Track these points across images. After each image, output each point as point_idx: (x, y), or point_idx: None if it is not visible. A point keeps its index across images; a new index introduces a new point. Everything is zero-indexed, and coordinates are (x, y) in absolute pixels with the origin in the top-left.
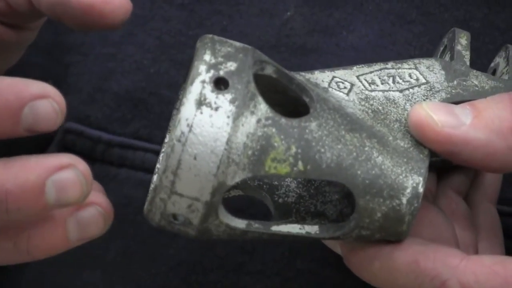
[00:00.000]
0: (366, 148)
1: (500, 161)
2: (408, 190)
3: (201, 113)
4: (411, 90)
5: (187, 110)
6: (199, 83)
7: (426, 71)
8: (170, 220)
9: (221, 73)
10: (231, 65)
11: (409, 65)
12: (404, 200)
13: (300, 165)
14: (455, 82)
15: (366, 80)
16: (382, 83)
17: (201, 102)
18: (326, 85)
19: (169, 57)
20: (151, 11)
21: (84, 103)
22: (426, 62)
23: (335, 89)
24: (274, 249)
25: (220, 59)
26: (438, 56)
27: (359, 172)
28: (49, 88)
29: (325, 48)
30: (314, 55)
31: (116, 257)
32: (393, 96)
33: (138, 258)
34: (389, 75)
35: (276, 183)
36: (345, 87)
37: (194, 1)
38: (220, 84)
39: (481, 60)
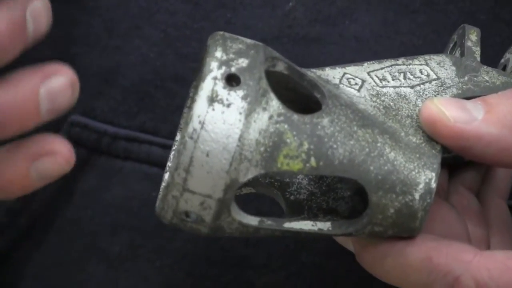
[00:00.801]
0: (379, 144)
1: None
2: (421, 186)
3: (213, 109)
4: (422, 86)
5: (199, 107)
6: (211, 80)
7: (437, 67)
8: (182, 217)
9: (233, 69)
10: (243, 62)
11: (419, 61)
12: (417, 196)
13: (313, 161)
14: (466, 78)
15: (377, 76)
16: (393, 79)
17: (213, 99)
18: (337, 81)
19: (174, 50)
20: (156, 4)
21: (90, 96)
22: (436, 58)
23: (346, 86)
24: (279, 242)
25: (231, 55)
26: (448, 52)
27: (371, 168)
28: (56, 65)
29: (328, 38)
30: (317, 45)
31: (121, 250)
32: (404, 92)
33: (143, 251)
34: (400, 71)
35: (287, 180)
36: (356, 84)
37: None
38: (232, 80)
39: (486, 52)
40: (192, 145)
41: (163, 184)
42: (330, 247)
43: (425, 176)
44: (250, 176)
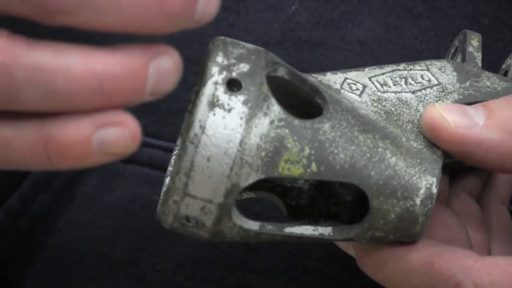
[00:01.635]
0: (380, 149)
1: None
2: (422, 191)
3: (214, 114)
4: (423, 91)
5: (200, 111)
6: (212, 85)
7: (438, 73)
8: (183, 222)
9: (234, 74)
10: (244, 67)
11: (421, 66)
12: (418, 201)
13: (314, 166)
14: (467, 83)
15: (378, 81)
16: (394, 85)
17: (213, 104)
18: (338, 86)
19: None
20: None
21: None
22: (438, 63)
23: (347, 91)
24: (280, 247)
25: (232, 60)
26: (450, 58)
27: (372, 173)
28: (165, 46)
29: (331, 42)
30: (319, 50)
31: (122, 253)
32: (405, 98)
33: (144, 255)
34: (401, 76)
35: (288, 185)
36: (357, 89)
37: None
38: (232, 85)
39: (489, 57)
40: (193, 150)
41: (164, 188)
42: (331, 252)
43: (426, 182)
44: (251, 181)
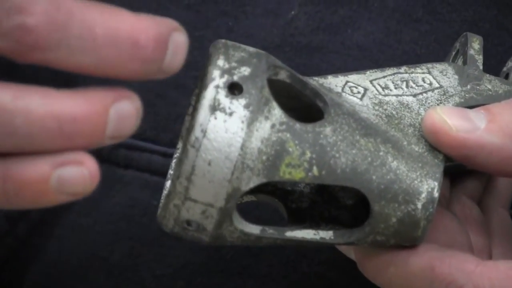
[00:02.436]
0: (381, 153)
1: None
2: (423, 195)
3: (215, 118)
4: (424, 94)
5: (201, 115)
6: (213, 88)
7: (439, 76)
8: (184, 226)
9: (235, 78)
10: (245, 70)
11: (422, 69)
12: (419, 205)
13: (315, 170)
14: (468, 87)
15: (379, 84)
16: (395, 88)
17: (215, 108)
18: (339, 90)
19: None
20: (157, 12)
21: None
22: (439, 66)
23: (348, 94)
24: (280, 252)
25: (233, 64)
26: (451, 61)
27: (374, 177)
28: (125, 90)
29: (330, 46)
30: (319, 54)
31: (121, 259)
32: (406, 101)
33: (143, 260)
34: (402, 79)
35: (289, 188)
36: (358, 92)
37: (200, 2)
38: (234, 89)
39: (489, 62)
40: (194, 153)
41: (165, 192)
42: (332, 257)
43: (428, 186)
44: (252, 185)
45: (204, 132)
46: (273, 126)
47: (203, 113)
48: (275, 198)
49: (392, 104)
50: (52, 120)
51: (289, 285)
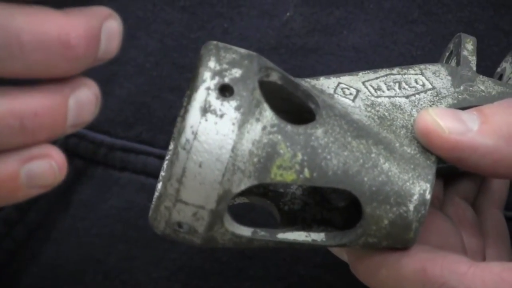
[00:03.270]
0: (373, 155)
1: (508, 167)
2: (415, 197)
3: (206, 120)
4: (417, 96)
5: (192, 117)
6: (204, 90)
7: (432, 77)
8: (175, 228)
9: (226, 80)
10: (236, 72)
11: (415, 70)
12: (411, 207)
13: (306, 172)
14: (461, 88)
15: (372, 86)
16: (388, 89)
17: (206, 109)
18: (331, 91)
19: (171, 60)
20: (153, 13)
21: None
22: (432, 67)
23: (340, 96)
24: (276, 254)
25: (225, 65)
26: (444, 62)
27: (365, 179)
28: (83, 78)
29: (326, 48)
30: (314, 56)
31: (117, 262)
32: (399, 102)
33: (140, 263)
34: (395, 81)
35: (281, 190)
36: (350, 93)
37: (195, 4)
38: (225, 91)
39: (485, 63)
40: (185, 155)
41: (156, 194)
42: (328, 259)
43: (420, 187)
44: (243, 187)
45: (195, 134)
46: (264, 128)
47: (193, 115)
48: (267, 200)
49: (385, 105)
50: (13, 118)
51: (285, 287)
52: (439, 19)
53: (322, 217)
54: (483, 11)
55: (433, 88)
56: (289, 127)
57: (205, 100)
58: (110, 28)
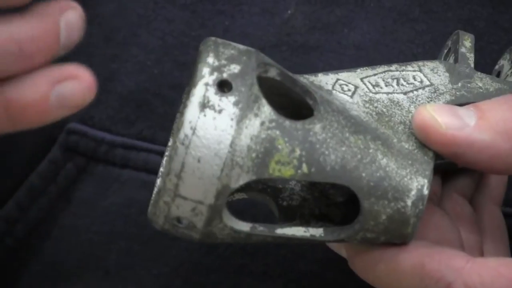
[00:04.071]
0: (371, 150)
1: (505, 162)
2: (413, 192)
3: (205, 115)
4: (415, 92)
5: (191, 112)
6: (203, 86)
7: (430, 73)
8: (174, 223)
9: (225, 75)
10: (235, 68)
11: (413, 67)
12: (409, 202)
13: (305, 167)
14: (459, 84)
15: (370, 82)
16: (386, 86)
17: (204, 105)
18: (330, 87)
19: (172, 57)
20: (154, 11)
21: (88, 104)
22: (430, 64)
23: (339, 92)
24: (277, 250)
25: (223, 61)
26: (442, 59)
27: (363, 174)
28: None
29: (327, 46)
30: (315, 53)
31: (118, 258)
32: (397, 99)
33: (140, 259)
34: (393, 77)
35: (280, 186)
36: (349, 90)
37: (196, 2)
38: (223, 86)
39: (484, 60)
40: (183, 151)
41: (155, 189)
42: (328, 255)
43: (417, 183)
44: (241, 182)
45: (193, 129)
46: (262, 123)
47: (192, 110)
48: (266, 196)
49: (383, 101)
50: (14, 44)
51: (285, 283)
52: (439, 17)
53: (321, 212)
54: (483, 8)
55: (431, 84)
56: (287, 123)
57: (204, 96)
58: (69, 20)
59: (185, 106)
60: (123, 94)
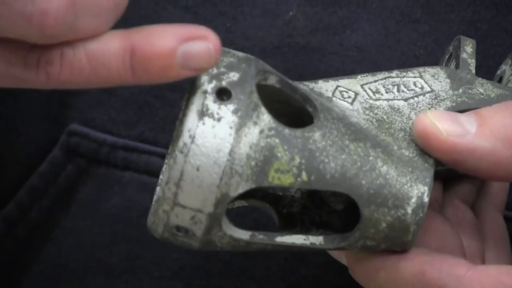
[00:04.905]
0: (371, 158)
1: (506, 169)
2: (413, 200)
3: (204, 124)
4: (416, 98)
5: (190, 121)
6: (201, 94)
7: (431, 80)
8: (173, 232)
9: (224, 83)
10: (234, 76)
11: (413, 73)
12: (409, 210)
13: (304, 175)
14: (460, 91)
15: (370, 89)
16: (386, 92)
17: (203, 113)
18: (330, 94)
19: None
20: (155, 12)
21: (89, 105)
22: (431, 70)
23: (339, 99)
24: (278, 254)
25: (222, 69)
26: (444, 64)
27: (363, 182)
28: (202, 30)
29: (329, 47)
30: (317, 55)
31: (119, 261)
32: (397, 105)
33: (142, 262)
34: (393, 83)
35: (280, 193)
36: (349, 96)
37: (198, 3)
38: (222, 94)
39: (487, 63)
40: (182, 159)
41: (155, 197)
42: (330, 259)
43: (418, 190)
44: (241, 190)
45: (192, 137)
46: (261, 131)
47: (191, 118)
48: (266, 203)
49: (383, 108)
50: (127, 53)
51: (286, 287)
52: (442, 18)
53: (321, 220)
54: (486, 10)
55: (432, 91)
56: (286, 131)
57: (203, 104)
58: (188, 50)
59: (184, 114)
60: (124, 96)
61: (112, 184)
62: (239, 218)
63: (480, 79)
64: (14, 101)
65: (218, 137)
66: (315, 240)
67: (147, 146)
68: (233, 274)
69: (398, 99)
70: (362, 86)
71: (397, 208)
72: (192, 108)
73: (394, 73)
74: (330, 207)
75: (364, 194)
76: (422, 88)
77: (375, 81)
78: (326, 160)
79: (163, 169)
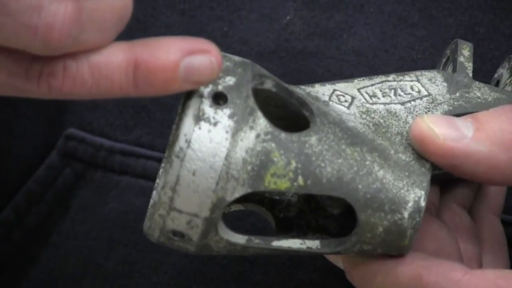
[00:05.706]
0: (367, 162)
1: (503, 173)
2: (410, 204)
3: (200, 128)
4: (412, 102)
5: (186, 125)
6: (198, 98)
7: (428, 83)
8: (169, 236)
9: (220, 88)
10: (230, 80)
11: (410, 77)
12: (406, 214)
13: (300, 180)
14: (457, 94)
15: (367, 93)
16: (383, 96)
17: (199, 118)
18: (326, 98)
19: None
20: (152, 16)
21: (86, 109)
22: (428, 74)
23: (336, 103)
24: (276, 258)
25: (218, 73)
26: (441, 68)
27: (360, 186)
28: (204, 43)
29: (326, 52)
30: (314, 59)
31: (117, 266)
32: (394, 109)
33: (139, 267)
34: (390, 87)
35: (277, 197)
36: (346, 101)
37: (195, 7)
38: (218, 99)
39: (485, 67)
40: (178, 164)
41: (151, 202)
42: (327, 264)
43: (414, 195)
44: (237, 195)
45: (188, 142)
46: (258, 136)
47: (187, 123)
48: (263, 207)
49: (380, 112)
50: (130, 66)
51: None
52: (439, 22)
53: (318, 224)
54: (484, 14)
55: (429, 94)
56: (283, 135)
57: (199, 108)
58: (191, 63)
59: (180, 119)
60: (121, 100)
61: (109, 188)
62: (235, 222)
63: (477, 82)
64: (11, 105)
65: (214, 141)
66: (312, 244)
67: (144, 150)
68: (231, 279)
69: (395, 103)
70: (359, 90)
71: (393, 213)
72: (188, 113)
73: (391, 77)
74: (327, 212)
75: (360, 198)
76: (419, 92)
77: (372, 85)
78: (323, 165)
79: (160, 173)
